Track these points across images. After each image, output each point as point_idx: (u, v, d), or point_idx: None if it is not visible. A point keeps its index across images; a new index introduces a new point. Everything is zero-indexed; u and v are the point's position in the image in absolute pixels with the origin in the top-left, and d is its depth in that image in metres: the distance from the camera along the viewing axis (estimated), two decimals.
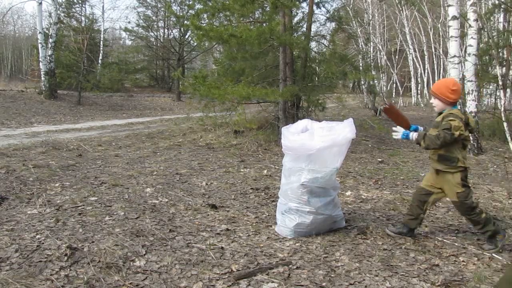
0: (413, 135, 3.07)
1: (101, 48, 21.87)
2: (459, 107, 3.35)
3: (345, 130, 3.10)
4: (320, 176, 3.16)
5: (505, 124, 6.50)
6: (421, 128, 3.24)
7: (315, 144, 3.07)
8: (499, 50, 9.24)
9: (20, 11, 47.96)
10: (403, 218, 3.39)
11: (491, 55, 8.87)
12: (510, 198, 4.46)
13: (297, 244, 3.11)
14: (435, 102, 3.11)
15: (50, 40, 15.11)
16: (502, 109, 6.74)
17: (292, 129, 3.37)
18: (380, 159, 6.74)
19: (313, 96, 8.29)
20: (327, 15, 9.26)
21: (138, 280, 2.47)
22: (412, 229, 3.29)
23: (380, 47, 22.25)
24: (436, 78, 25.38)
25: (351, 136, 3.11)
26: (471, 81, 7.20)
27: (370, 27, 20.96)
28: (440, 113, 3.09)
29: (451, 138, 2.91)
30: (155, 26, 25.86)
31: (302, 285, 2.48)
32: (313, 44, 10.22)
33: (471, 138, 3.09)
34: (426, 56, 24.25)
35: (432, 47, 23.71)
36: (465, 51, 7.66)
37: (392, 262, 2.83)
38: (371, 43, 20.53)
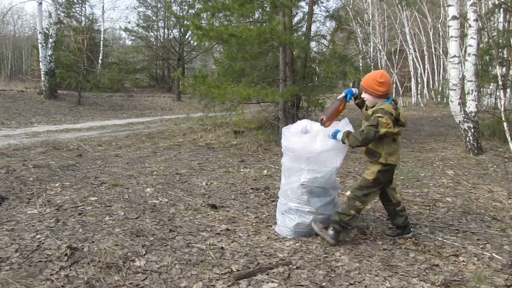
0: (339, 136, 3.02)
1: (101, 48, 21.88)
2: (399, 100, 3.36)
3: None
4: (320, 176, 3.16)
5: (505, 124, 6.49)
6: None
7: (316, 147, 3.08)
8: (499, 50, 9.24)
9: (20, 11, 48.03)
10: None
11: (491, 55, 8.87)
12: (510, 198, 4.46)
13: (297, 244, 3.11)
14: (365, 96, 3.06)
15: (50, 40, 15.12)
16: (502, 109, 6.73)
17: (293, 129, 3.36)
18: None
19: (313, 96, 8.29)
20: (326, 14, 9.26)
21: (138, 280, 2.47)
22: (405, 226, 3.23)
23: (380, 47, 22.26)
24: (436, 78, 25.40)
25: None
26: (471, 81, 7.20)
27: (370, 27, 20.98)
28: (372, 107, 3.04)
29: (375, 135, 2.87)
30: (155, 26, 25.88)
31: (302, 285, 2.48)
32: (313, 44, 10.23)
33: (401, 132, 3.07)
34: (426, 56, 24.24)
35: (432, 47, 23.70)
36: (465, 51, 7.66)
37: (392, 262, 2.83)
38: (371, 43, 20.55)
